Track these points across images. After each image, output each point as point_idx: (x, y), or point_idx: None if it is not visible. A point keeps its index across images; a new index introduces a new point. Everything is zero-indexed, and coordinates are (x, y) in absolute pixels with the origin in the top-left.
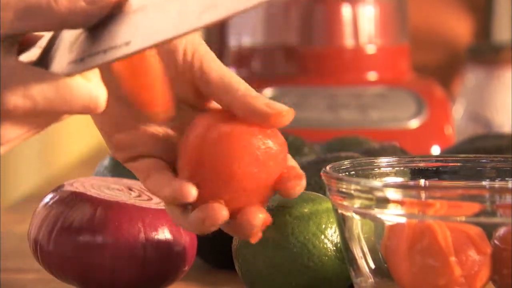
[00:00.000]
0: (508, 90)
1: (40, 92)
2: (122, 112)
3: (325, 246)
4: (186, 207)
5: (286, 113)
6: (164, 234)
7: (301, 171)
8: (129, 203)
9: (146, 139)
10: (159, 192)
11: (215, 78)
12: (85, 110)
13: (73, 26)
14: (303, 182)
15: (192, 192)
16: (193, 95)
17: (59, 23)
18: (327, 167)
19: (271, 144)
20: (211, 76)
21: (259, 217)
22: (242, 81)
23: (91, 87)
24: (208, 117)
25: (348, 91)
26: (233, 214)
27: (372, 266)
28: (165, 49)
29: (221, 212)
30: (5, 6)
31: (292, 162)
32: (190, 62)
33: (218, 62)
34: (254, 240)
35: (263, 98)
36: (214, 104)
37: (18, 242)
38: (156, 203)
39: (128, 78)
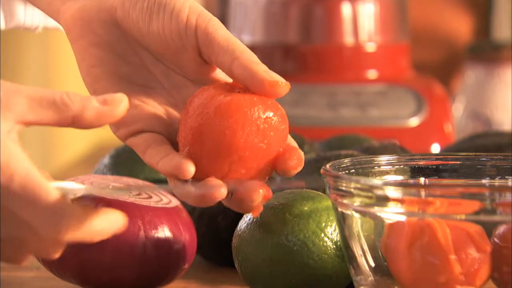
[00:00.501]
0: (508, 88)
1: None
2: (121, 91)
3: (325, 244)
4: (186, 180)
5: (282, 84)
6: (164, 232)
7: (302, 153)
8: (129, 201)
9: (146, 116)
10: (157, 165)
11: (220, 38)
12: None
13: (83, 126)
14: (302, 164)
15: (190, 169)
16: (196, 64)
17: (70, 120)
18: (327, 165)
19: (271, 115)
20: (216, 36)
21: (259, 192)
22: (248, 48)
23: (70, 214)
24: (208, 89)
25: (348, 89)
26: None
27: (372, 264)
28: (168, 15)
29: (220, 190)
30: (18, 94)
31: (293, 143)
32: (194, 25)
33: (223, 26)
34: (255, 214)
35: (265, 67)
36: (216, 76)
37: None
38: (155, 201)
39: None
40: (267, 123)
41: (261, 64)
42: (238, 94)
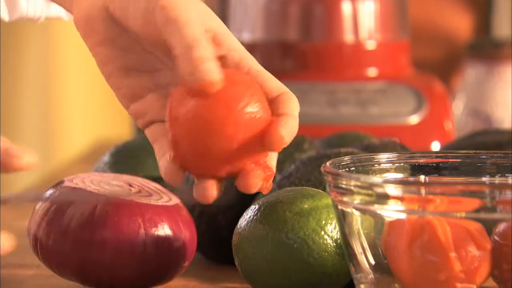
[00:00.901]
0: (508, 85)
1: None
2: (129, 84)
3: (325, 242)
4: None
5: (211, 83)
6: (164, 230)
7: (282, 129)
8: (129, 199)
9: (154, 105)
10: (159, 161)
11: (167, 35)
12: None
13: None
14: (286, 139)
15: (178, 176)
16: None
17: None
18: (327, 163)
19: (243, 106)
20: (166, 36)
21: (256, 182)
22: (192, 34)
23: None
24: (176, 92)
25: (348, 87)
26: (234, 174)
27: (372, 262)
28: (132, 13)
29: (211, 193)
30: None
31: (287, 108)
32: (153, 17)
33: (182, 17)
34: (264, 192)
35: (196, 60)
36: None
37: (18, 238)
38: (156, 199)
39: None
40: (231, 119)
41: (193, 59)
42: (201, 96)
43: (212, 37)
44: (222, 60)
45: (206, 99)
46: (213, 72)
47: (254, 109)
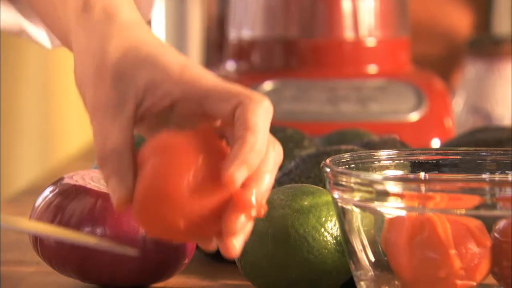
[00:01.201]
0: (508, 82)
1: None
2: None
3: (325, 239)
4: None
5: (117, 205)
6: None
7: (233, 171)
8: None
9: None
10: None
11: None
12: None
13: None
14: (239, 178)
15: (207, 245)
16: None
17: None
18: (327, 160)
19: (197, 172)
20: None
21: (231, 228)
22: (104, 147)
23: None
24: None
25: (348, 84)
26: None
27: (372, 259)
28: None
29: (231, 251)
30: None
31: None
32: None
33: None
34: (260, 216)
35: (104, 178)
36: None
37: (18, 235)
38: None
39: None
40: (193, 193)
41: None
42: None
43: (148, 98)
44: (162, 114)
45: (146, 175)
46: (117, 192)
47: (197, 175)
